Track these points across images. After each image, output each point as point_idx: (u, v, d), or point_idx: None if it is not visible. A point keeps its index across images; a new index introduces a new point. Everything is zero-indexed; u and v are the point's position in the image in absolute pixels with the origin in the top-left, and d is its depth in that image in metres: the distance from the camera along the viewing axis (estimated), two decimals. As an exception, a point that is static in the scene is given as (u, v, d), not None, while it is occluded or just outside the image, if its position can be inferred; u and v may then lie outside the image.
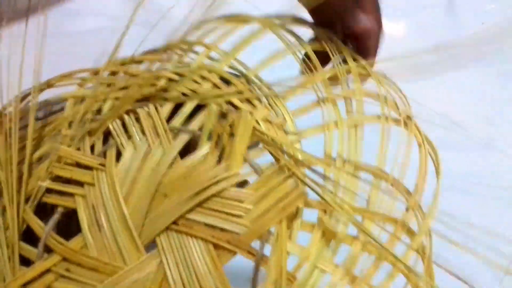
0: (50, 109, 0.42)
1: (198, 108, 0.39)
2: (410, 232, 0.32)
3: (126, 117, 0.38)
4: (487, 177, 1.05)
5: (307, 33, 0.45)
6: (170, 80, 0.41)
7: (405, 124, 0.36)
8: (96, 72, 0.43)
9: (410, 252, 0.31)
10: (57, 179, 0.36)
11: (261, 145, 0.36)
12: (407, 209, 0.33)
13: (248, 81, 0.41)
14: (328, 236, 0.32)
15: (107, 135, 0.39)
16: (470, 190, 1.01)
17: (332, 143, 0.37)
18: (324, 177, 0.34)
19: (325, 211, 0.33)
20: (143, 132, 0.37)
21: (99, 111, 0.40)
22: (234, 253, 0.32)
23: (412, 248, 0.31)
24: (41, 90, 0.41)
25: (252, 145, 0.36)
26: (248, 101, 0.39)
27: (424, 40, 1.09)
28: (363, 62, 0.41)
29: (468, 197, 0.99)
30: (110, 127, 0.38)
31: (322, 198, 0.32)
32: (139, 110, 0.38)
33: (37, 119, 0.41)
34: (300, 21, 0.45)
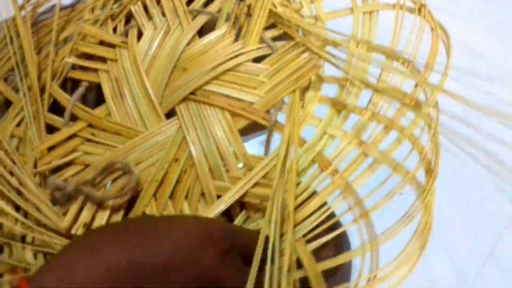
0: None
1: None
2: (418, 105, 0.34)
3: (147, 0, 0.39)
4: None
5: None
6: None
7: (419, 11, 0.37)
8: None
9: (417, 121, 0.33)
10: (82, 56, 0.38)
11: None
12: (416, 85, 0.34)
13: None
14: (339, 106, 0.34)
15: (129, 18, 0.40)
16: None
17: (350, 27, 0.37)
18: (338, 54, 0.35)
19: (338, 85, 0.34)
20: (163, 14, 0.38)
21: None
22: (249, 119, 0.33)
23: (419, 117, 0.33)
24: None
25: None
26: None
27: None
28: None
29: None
30: (132, 9, 0.39)
31: (335, 66, 0.33)
32: (160, -7, 0.39)
33: (64, 7, 0.43)
34: None
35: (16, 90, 0.38)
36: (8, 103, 0.38)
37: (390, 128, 0.33)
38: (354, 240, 0.32)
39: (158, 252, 0.24)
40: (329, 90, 0.35)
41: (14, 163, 0.35)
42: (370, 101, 0.34)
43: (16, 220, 0.32)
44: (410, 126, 0.33)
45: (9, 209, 0.32)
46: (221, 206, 0.31)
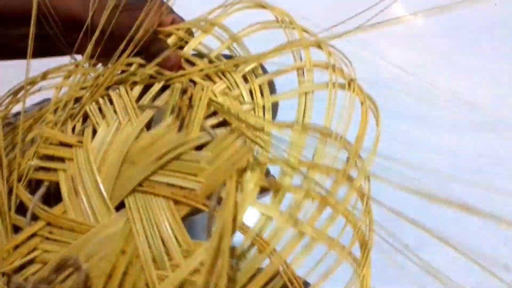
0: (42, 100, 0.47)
1: (165, 88, 0.44)
2: (350, 179, 0.35)
3: (101, 100, 0.42)
4: (499, 158, 1.06)
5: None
6: (141, 65, 0.45)
7: (349, 86, 0.39)
8: (77, 65, 0.48)
9: (350, 195, 0.34)
10: (44, 157, 0.41)
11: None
12: (347, 159, 0.36)
13: (210, 61, 0.45)
14: (274, 186, 0.36)
15: (86, 117, 0.43)
16: (483, 169, 1.02)
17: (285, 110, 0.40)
18: (274, 137, 0.38)
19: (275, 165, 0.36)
20: (115, 112, 0.42)
21: (80, 98, 0.45)
22: (191, 206, 0.35)
23: (351, 191, 0.34)
24: (35, 82, 0.46)
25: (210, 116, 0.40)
26: (209, 78, 0.43)
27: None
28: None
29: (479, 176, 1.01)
30: (87, 109, 0.42)
31: (265, 150, 0.35)
32: (111, 93, 0.42)
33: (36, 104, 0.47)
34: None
35: None
36: None
37: (324, 204, 0.34)
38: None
39: None
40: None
41: None
42: (304, 178, 0.36)
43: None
44: (343, 202, 0.34)
45: None
46: None
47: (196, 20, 0.46)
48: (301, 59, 0.43)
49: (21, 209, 0.40)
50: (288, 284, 0.33)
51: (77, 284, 0.33)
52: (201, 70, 0.43)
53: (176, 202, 0.36)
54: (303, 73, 0.43)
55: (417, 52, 1.30)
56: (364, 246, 0.33)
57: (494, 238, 0.95)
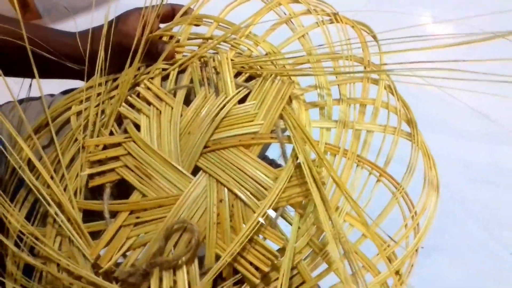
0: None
1: (177, 76, 0.48)
2: (374, 81, 0.43)
3: (130, 98, 0.45)
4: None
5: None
6: (147, 65, 0.49)
7: (336, 19, 0.47)
8: (89, 87, 0.49)
9: (381, 89, 0.41)
10: (93, 166, 0.42)
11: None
12: (365, 63, 0.43)
13: (207, 40, 0.50)
14: (322, 105, 0.42)
15: (119, 123, 0.45)
16: (498, 182, 1.09)
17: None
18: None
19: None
20: (149, 103, 0.44)
21: (102, 112, 0.47)
22: (261, 144, 0.40)
23: (381, 79, 0.41)
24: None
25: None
26: (216, 52, 0.48)
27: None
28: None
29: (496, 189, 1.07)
30: (120, 110, 0.45)
31: (301, 75, 0.41)
32: (138, 88, 0.45)
33: (50, 141, 0.47)
34: None
35: (44, 218, 0.41)
36: None
37: (365, 104, 0.41)
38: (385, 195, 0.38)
39: None
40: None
41: (75, 277, 0.37)
42: (340, 93, 0.42)
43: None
44: (378, 95, 0.41)
45: None
46: (265, 208, 0.36)
47: (180, 19, 0.51)
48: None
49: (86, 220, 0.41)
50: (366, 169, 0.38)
51: (194, 241, 0.36)
52: (209, 46, 0.48)
53: (246, 146, 0.40)
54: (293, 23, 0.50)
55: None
56: (410, 121, 0.40)
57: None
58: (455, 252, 0.98)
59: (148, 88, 0.45)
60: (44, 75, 0.47)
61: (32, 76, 0.45)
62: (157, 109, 0.44)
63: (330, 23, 0.48)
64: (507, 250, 0.99)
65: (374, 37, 0.46)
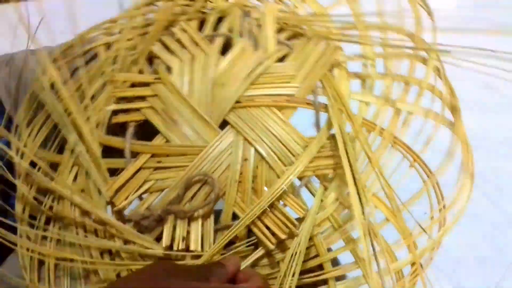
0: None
1: (219, 21, 0.45)
2: (424, 60, 0.40)
3: (164, 37, 0.43)
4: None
5: None
6: (186, 5, 0.46)
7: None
8: (115, 20, 0.47)
9: (429, 71, 0.39)
10: (119, 101, 0.41)
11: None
12: (416, 44, 0.40)
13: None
14: (364, 77, 0.39)
15: (150, 62, 0.44)
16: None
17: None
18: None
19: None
20: (183, 46, 0.42)
21: (132, 49, 0.45)
22: (295, 108, 0.38)
23: (428, 67, 0.39)
24: (82, 42, 0.45)
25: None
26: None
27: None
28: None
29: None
30: (153, 49, 0.43)
31: (351, 42, 0.39)
32: (173, 29, 0.43)
33: (75, 69, 0.45)
34: None
35: (61, 147, 0.40)
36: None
37: (409, 83, 0.39)
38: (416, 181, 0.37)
39: None
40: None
41: (87, 212, 0.37)
42: (384, 67, 0.40)
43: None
44: (426, 75, 0.39)
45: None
46: (290, 177, 0.35)
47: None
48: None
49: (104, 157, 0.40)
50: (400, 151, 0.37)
51: (211, 194, 0.35)
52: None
53: (279, 108, 0.38)
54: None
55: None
56: (453, 108, 0.38)
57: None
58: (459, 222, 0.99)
59: (184, 31, 0.43)
60: None
61: None
62: (191, 53, 0.42)
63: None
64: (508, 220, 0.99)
65: (430, 13, 0.42)
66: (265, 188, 0.35)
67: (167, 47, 0.43)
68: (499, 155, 1.14)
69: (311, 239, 0.35)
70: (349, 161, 0.34)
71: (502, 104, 1.22)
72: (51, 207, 0.39)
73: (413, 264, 0.33)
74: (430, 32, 0.42)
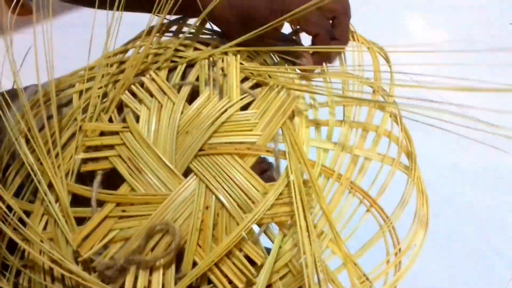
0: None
1: (185, 70, 0.47)
2: (381, 107, 0.42)
3: (133, 87, 0.45)
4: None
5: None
6: (157, 54, 0.48)
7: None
8: (91, 68, 0.49)
9: (385, 119, 0.40)
10: (88, 150, 0.42)
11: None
12: (373, 91, 0.42)
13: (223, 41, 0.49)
14: (322, 124, 0.41)
15: (119, 110, 0.45)
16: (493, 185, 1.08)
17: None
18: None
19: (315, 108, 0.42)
20: (151, 95, 0.44)
21: (104, 95, 0.47)
22: (256, 155, 0.39)
23: (385, 115, 0.41)
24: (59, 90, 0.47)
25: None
26: (226, 53, 0.47)
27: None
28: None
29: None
30: (122, 98, 0.44)
31: (310, 93, 0.41)
32: (143, 78, 0.45)
33: (49, 117, 0.47)
34: None
35: (34, 195, 0.41)
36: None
37: (367, 130, 0.41)
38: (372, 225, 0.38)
39: None
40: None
41: (54, 261, 0.37)
42: (344, 114, 0.42)
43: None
44: (382, 123, 0.40)
45: None
46: (249, 223, 0.36)
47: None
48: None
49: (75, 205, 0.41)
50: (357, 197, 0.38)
51: (172, 244, 0.36)
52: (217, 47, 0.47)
53: (241, 156, 0.39)
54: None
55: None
56: (410, 155, 0.39)
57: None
58: (441, 252, 0.99)
59: (153, 80, 0.45)
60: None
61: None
62: (159, 102, 0.43)
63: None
64: (493, 251, 0.99)
65: (388, 61, 0.44)
66: (226, 236, 0.36)
67: (135, 95, 0.44)
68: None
69: (270, 286, 0.35)
70: (303, 209, 0.35)
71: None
72: (22, 257, 0.40)
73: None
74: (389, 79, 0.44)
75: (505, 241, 1.00)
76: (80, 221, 0.40)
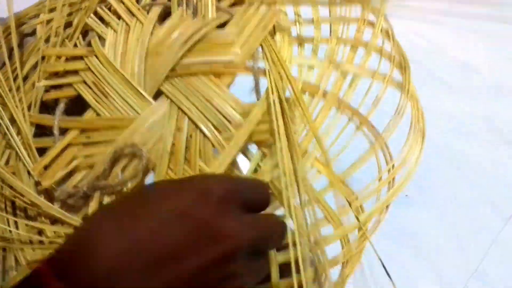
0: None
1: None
2: (371, 23, 0.38)
3: (99, 9, 0.40)
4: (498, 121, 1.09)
5: None
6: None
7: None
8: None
9: (376, 32, 0.37)
10: (51, 78, 0.38)
11: None
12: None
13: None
14: (307, 41, 0.37)
15: (85, 35, 0.41)
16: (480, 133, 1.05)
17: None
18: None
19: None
20: (119, 18, 0.40)
21: (69, 24, 0.43)
22: (233, 74, 0.35)
23: (376, 28, 0.37)
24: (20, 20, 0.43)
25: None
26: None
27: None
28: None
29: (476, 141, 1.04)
30: (87, 21, 0.40)
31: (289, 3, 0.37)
32: (109, 0, 0.41)
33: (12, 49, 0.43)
34: None
35: None
36: None
37: (357, 46, 0.37)
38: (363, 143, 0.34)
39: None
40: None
41: (16, 191, 0.34)
42: (330, 30, 0.38)
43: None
44: (372, 38, 0.36)
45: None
46: (233, 151, 0.32)
47: None
48: None
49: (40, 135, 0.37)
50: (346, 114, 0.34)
51: (141, 167, 0.32)
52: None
53: (217, 75, 0.36)
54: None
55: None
56: (404, 68, 0.36)
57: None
58: (437, 206, 0.96)
59: (121, 1, 0.40)
60: None
61: None
62: (126, 24, 0.39)
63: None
64: (489, 205, 0.97)
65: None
66: (199, 159, 0.33)
67: (102, 19, 0.40)
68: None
69: None
70: (284, 122, 0.31)
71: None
72: None
73: (360, 229, 0.30)
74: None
75: (498, 193, 0.97)
76: (45, 152, 0.36)
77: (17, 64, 0.39)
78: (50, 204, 0.33)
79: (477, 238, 0.92)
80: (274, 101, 0.33)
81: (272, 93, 0.33)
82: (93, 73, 0.37)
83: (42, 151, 0.36)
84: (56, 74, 0.38)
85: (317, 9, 0.38)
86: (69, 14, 0.43)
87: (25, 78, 0.40)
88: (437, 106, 1.09)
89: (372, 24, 0.38)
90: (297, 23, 0.38)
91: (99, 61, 0.37)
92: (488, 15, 1.24)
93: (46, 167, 0.34)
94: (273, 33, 0.37)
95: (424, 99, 0.37)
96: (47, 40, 0.42)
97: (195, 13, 0.39)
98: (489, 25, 1.24)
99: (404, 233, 0.90)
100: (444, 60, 1.18)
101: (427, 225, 0.93)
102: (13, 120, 0.37)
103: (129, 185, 0.32)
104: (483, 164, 1.03)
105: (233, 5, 0.40)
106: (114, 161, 0.33)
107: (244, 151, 0.33)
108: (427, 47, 1.18)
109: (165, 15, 0.40)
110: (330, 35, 0.37)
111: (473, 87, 1.16)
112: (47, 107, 0.39)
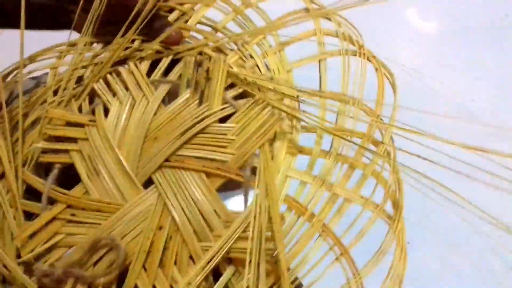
0: (34, 83, 0.44)
1: (173, 63, 0.43)
2: (376, 142, 0.37)
3: (109, 76, 0.41)
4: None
5: None
6: (143, 41, 0.44)
7: (360, 52, 0.41)
8: (73, 44, 0.45)
9: (377, 159, 0.36)
10: (51, 139, 0.39)
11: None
12: (370, 123, 0.37)
13: (217, 32, 0.44)
14: (305, 153, 0.37)
15: (92, 97, 0.41)
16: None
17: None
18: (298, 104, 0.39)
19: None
20: (126, 88, 0.40)
21: (80, 78, 0.43)
22: (225, 177, 0.35)
23: (378, 152, 0.36)
24: (25, 65, 0.43)
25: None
26: (220, 50, 0.43)
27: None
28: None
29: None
30: (95, 87, 0.40)
31: (294, 117, 0.36)
32: (120, 68, 0.41)
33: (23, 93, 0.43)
34: None
35: None
36: None
37: (354, 167, 0.36)
38: (339, 278, 0.34)
39: None
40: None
41: None
42: (331, 145, 0.37)
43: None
44: (372, 162, 0.36)
45: None
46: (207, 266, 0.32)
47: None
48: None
49: (29, 196, 0.38)
50: (327, 242, 0.34)
51: (115, 263, 0.32)
52: (212, 42, 0.42)
53: (208, 175, 0.35)
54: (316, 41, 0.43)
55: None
56: (396, 203, 0.35)
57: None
58: (436, 247, 0.95)
59: (131, 72, 0.40)
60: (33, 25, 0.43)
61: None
62: (133, 98, 0.39)
63: (353, 54, 0.42)
64: (489, 245, 0.95)
65: (394, 89, 0.39)
66: (174, 264, 0.33)
67: (110, 85, 0.40)
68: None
69: None
70: (259, 252, 0.31)
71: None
72: None
73: None
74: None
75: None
76: (30, 216, 0.37)
77: (20, 116, 0.40)
78: (27, 277, 0.34)
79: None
80: (254, 218, 0.33)
81: (255, 218, 0.33)
82: (90, 145, 0.37)
83: (27, 212, 0.36)
84: (56, 137, 0.39)
85: (324, 120, 0.38)
86: (83, 67, 0.43)
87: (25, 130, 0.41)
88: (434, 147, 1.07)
89: (376, 143, 0.37)
90: (297, 131, 0.38)
91: (99, 133, 0.38)
92: None
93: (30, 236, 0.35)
94: (272, 139, 0.37)
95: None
96: (55, 92, 0.42)
97: (201, 99, 0.39)
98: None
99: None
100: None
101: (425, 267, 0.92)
102: (3, 175, 0.38)
103: (102, 280, 0.32)
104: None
105: (240, 96, 0.40)
106: (91, 250, 0.33)
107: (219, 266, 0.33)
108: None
109: (174, 92, 0.40)
110: (330, 149, 0.37)
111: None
112: (41, 164, 0.39)
